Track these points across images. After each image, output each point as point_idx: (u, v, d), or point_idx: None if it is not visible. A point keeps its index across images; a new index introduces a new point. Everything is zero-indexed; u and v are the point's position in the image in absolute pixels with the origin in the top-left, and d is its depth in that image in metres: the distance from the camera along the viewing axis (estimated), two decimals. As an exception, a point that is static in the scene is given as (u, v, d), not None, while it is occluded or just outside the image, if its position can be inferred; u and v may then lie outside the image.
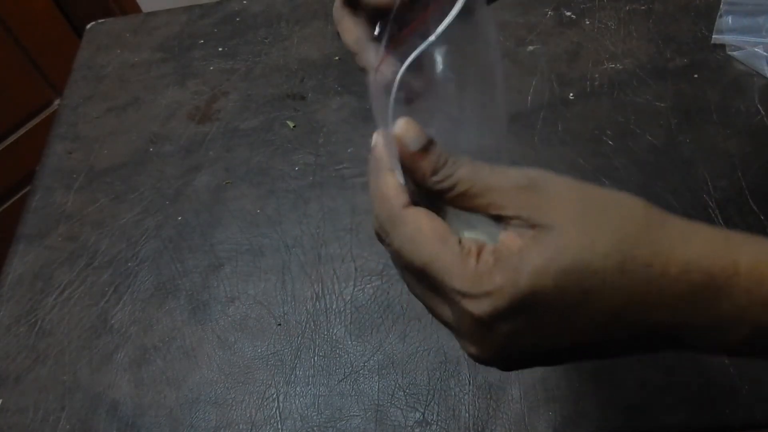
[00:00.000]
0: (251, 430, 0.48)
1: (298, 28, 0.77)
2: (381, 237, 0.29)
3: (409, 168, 0.28)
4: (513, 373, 0.47)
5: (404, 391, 0.48)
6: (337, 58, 0.73)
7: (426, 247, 0.27)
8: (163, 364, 0.52)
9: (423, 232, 0.27)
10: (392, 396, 0.48)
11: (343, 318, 0.52)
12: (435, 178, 0.28)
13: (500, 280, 0.26)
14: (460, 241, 0.27)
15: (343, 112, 0.67)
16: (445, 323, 0.30)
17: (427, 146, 0.27)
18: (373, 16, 0.33)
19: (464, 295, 0.26)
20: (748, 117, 0.59)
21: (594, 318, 0.25)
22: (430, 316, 0.52)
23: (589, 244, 0.25)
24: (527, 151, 0.60)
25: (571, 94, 0.64)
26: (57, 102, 1.37)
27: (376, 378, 0.49)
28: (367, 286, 0.54)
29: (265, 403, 0.49)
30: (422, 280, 0.28)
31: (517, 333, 0.27)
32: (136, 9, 1.47)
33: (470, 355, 0.30)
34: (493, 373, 0.48)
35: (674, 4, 0.69)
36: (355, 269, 0.55)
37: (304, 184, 0.62)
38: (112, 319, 0.56)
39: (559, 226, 0.25)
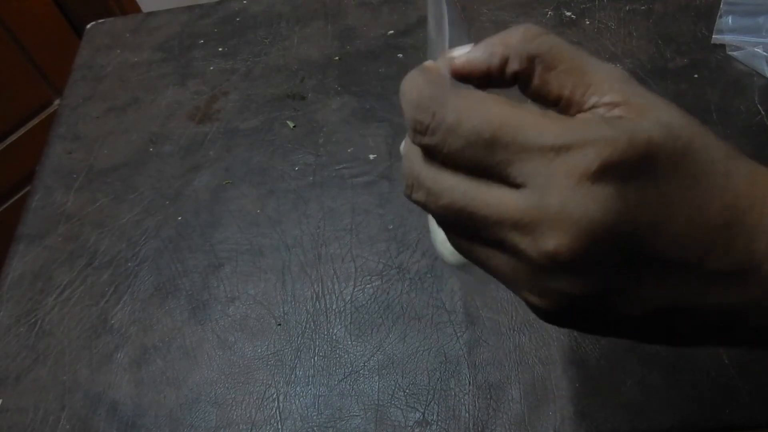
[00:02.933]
0: (251, 430, 0.48)
1: (298, 28, 0.77)
2: (423, 123, 0.23)
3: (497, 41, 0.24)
4: (513, 374, 0.47)
5: (404, 391, 0.48)
6: (337, 58, 0.73)
7: (496, 107, 0.22)
8: (163, 364, 0.52)
9: (489, 97, 0.22)
10: (392, 396, 0.48)
11: (343, 318, 0.52)
12: (528, 41, 0.24)
13: (609, 129, 0.21)
14: None
15: (343, 112, 0.67)
16: (510, 221, 0.22)
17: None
18: None
19: (559, 148, 0.21)
20: (748, 117, 0.59)
21: (718, 194, 0.22)
22: (431, 315, 0.52)
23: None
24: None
25: (571, 94, 0.64)
26: (57, 102, 1.37)
27: (376, 378, 0.49)
28: (367, 286, 0.54)
29: (265, 403, 0.49)
30: (490, 154, 0.22)
31: (639, 199, 0.21)
32: (136, 9, 1.47)
33: (545, 292, 0.23)
34: (493, 373, 0.48)
35: (674, 4, 0.69)
36: (355, 269, 0.55)
37: (304, 184, 0.62)
38: (112, 319, 0.56)
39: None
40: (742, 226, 0.23)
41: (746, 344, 0.25)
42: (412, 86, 0.23)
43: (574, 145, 0.21)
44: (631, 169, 0.21)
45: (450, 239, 0.26)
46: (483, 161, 0.22)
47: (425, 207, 0.24)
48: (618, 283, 0.22)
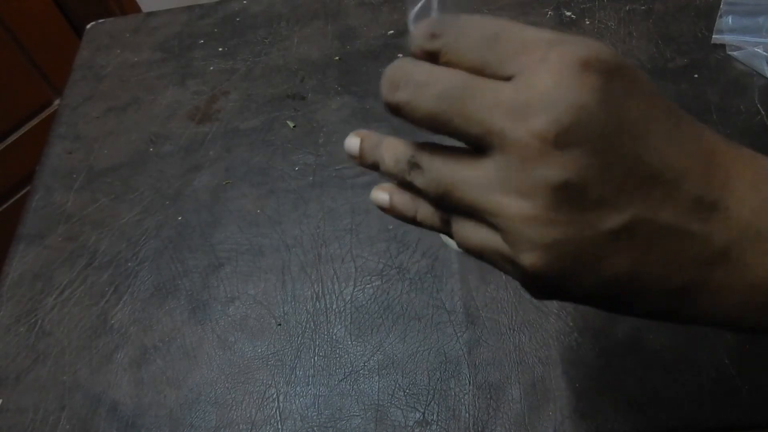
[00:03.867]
0: (251, 430, 0.48)
1: (298, 28, 0.77)
2: (434, 33, 0.25)
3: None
4: (513, 374, 0.47)
5: (404, 391, 0.48)
6: (337, 58, 0.73)
7: (499, 19, 0.24)
8: (163, 364, 0.52)
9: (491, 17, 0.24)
10: (392, 396, 0.48)
11: (343, 318, 0.52)
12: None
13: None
14: None
15: (343, 112, 0.67)
16: (504, 105, 0.23)
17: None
18: None
19: (554, 41, 0.23)
20: (748, 117, 0.59)
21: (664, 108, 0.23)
22: (430, 315, 0.52)
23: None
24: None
25: (571, 94, 0.64)
26: (57, 102, 1.37)
27: (376, 378, 0.49)
28: (367, 286, 0.54)
29: (265, 403, 0.49)
30: (492, 49, 0.24)
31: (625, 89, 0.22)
32: (136, 9, 1.47)
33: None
34: (493, 373, 0.48)
35: (674, 4, 0.69)
36: (355, 269, 0.55)
37: (304, 184, 0.62)
38: (112, 319, 0.56)
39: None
40: (722, 161, 0.24)
41: (712, 312, 0.25)
42: (426, 21, 0.25)
43: (567, 41, 0.23)
44: (620, 70, 0.23)
45: (423, 159, 0.26)
46: (485, 56, 0.24)
47: (408, 104, 0.25)
48: (600, 179, 0.22)
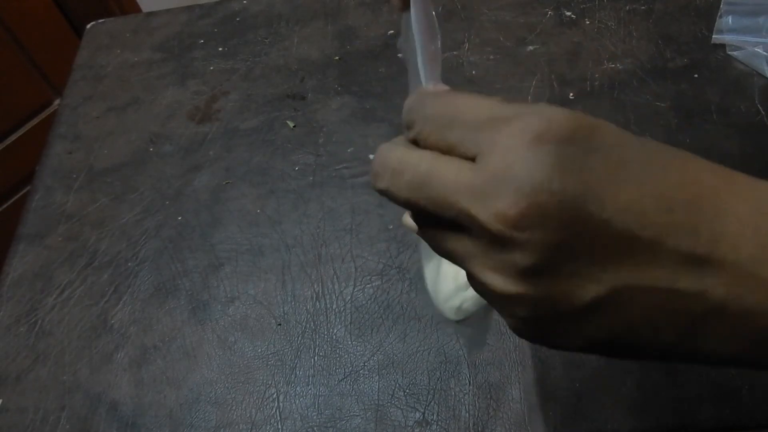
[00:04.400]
0: (251, 430, 0.48)
1: (298, 28, 0.77)
2: (409, 120, 0.26)
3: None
4: (513, 374, 0.47)
5: (404, 391, 0.48)
6: (337, 58, 0.73)
7: (462, 98, 0.25)
8: (163, 364, 0.52)
9: (460, 93, 0.25)
10: (392, 396, 0.48)
11: (343, 318, 0.52)
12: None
13: (552, 107, 0.23)
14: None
15: (343, 112, 0.67)
16: (464, 189, 0.23)
17: None
18: None
19: (506, 118, 0.23)
20: (748, 117, 0.59)
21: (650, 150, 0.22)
22: (431, 315, 0.52)
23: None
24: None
25: (572, 94, 0.64)
26: (57, 102, 1.37)
27: (376, 378, 0.49)
28: (367, 286, 0.54)
29: (265, 403, 0.49)
30: (450, 131, 0.25)
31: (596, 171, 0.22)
32: (136, 9, 1.47)
33: (505, 298, 0.23)
34: (493, 373, 0.48)
35: (674, 4, 0.69)
36: (355, 269, 0.55)
37: (304, 184, 0.62)
38: (112, 319, 0.56)
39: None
40: (711, 202, 0.22)
41: (721, 357, 0.24)
42: (407, 102, 0.27)
43: (519, 115, 0.22)
44: (576, 132, 0.22)
45: (420, 227, 0.27)
46: (445, 138, 0.24)
47: (388, 192, 0.26)
48: (569, 254, 0.22)
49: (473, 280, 0.26)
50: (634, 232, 0.22)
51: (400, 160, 0.25)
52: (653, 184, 0.22)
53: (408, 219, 0.30)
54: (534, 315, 0.23)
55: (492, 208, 0.22)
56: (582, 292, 0.22)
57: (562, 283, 0.22)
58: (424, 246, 0.38)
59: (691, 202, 0.22)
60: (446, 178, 0.23)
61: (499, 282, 0.23)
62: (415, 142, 0.26)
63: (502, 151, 0.22)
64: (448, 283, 0.36)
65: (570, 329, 0.24)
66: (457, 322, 0.37)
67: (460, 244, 0.24)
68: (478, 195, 0.22)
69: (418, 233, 0.28)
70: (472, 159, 0.23)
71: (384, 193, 0.26)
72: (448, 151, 0.24)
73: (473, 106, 0.24)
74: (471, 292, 0.35)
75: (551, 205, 0.21)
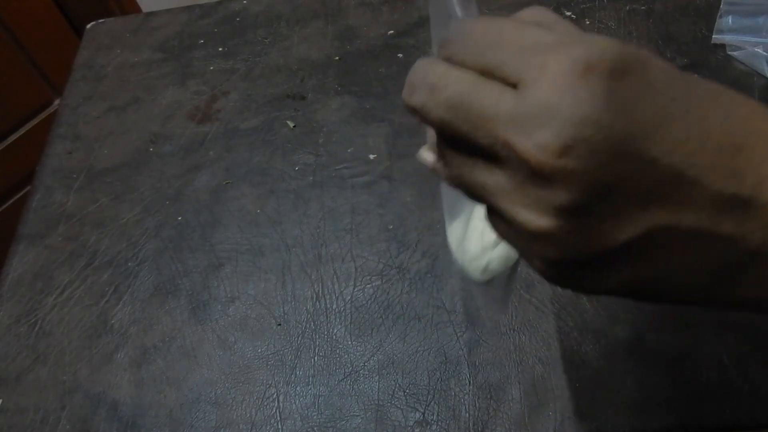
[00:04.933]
0: (251, 430, 0.48)
1: (298, 28, 0.77)
2: (447, 38, 0.25)
3: None
4: (513, 374, 0.47)
5: (404, 391, 0.48)
6: (337, 58, 0.73)
7: (503, 22, 0.24)
8: (163, 364, 0.52)
9: (500, 18, 0.24)
10: (392, 396, 0.48)
11: (343, 318, 0.52)
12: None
13: (600, 37, 0.21)
14: None
15: (343, 112, 0.67)
16: (505, 115, 0.22)
17: None
18: None
19: (551, 45, 0.22)
20: (748, 117, 0.59)
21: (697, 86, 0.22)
22: (431, 315, 0.52)
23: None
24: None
25: (571, 94, 0.64)
26: (57, 102, 1.37)
27: (376, 378, 0.49)
28: (367, 286, 0.54)
29: (265, 403, 0.49)
30: (493, 53, 0.23)
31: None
32: (136, 9, 1.47)
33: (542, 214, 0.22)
34: (493, 373, 0.48)
35: (674, 4, 0.69)
36: (355, 269, 0.55)
37: (304, 184, 0.62)
38: (112, 319, 0.56)
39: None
40: (758, 148, 0.22)
41: (747, 302, 0.23)
42: (443, 32, 0.26)
43: (568, 43, 0.21)
44: (627, 66, 0.21)
45: (444, 156, 0.25)
46: (489, 62, 0.23)
47: (423, 108, 0.24)
48: (611, 192, 0.21)
49: (499, 218, 0.24)
50: (680, 171, 0.21)
51: (442, 76, 0.24)
52: (701, 124, 0.21)
53: (425, 153, 0.28)
54: (566, 256, 0.23)
55: (534, 139, 0.21)
56: (617, 233, 0.22)
57: (599, 223, 0.21)
58: (448, 206, 0.37)
59: (737, 145, 0.22)
60: (488, 101, 0.22)
61: (531, 219, 0.22)
62: (449, 61, 0.25)
63: (549, 79, 0.21)
64: (475, 242, 0.35)
65: (601, 271, 0.23)
66: (482, 283, 0.36)
67: (491, 176, 0.23)
68: (520, 124, 0.21)
69: (436, 167, 0.26)
70: (513, 86, 0.22)
71: (417, 110, 0.24)
72: (486, 74, 0.23)
73: (517, 29, 0.23)
74: (497, 252, 0.34)
75: (597, 139, 0.20)
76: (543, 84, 0.21)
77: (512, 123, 0.21)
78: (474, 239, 0.35)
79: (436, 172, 0.27)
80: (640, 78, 0.21)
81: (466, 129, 0.23)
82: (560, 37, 0.22)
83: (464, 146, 0.24)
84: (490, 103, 0.22)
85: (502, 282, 0.36)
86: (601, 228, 0.22)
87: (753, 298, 0.23)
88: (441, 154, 0.26)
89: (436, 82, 0.24)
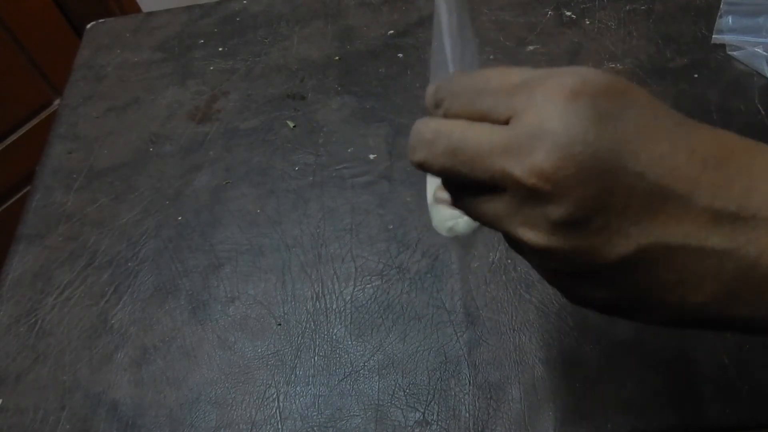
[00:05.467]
0: (251, 430, 0.48)
1: (298, 28, 0.77)
2: (438, 99, 0.27)
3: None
4: (513, 374, 0.47)
5: (404, 391, 0.48)
6: (337, 58, 0.73)
7: (488, 71, 0.25)
8: (163, 364, 0.52)
9: (484, 69, 0.26)
10: (392, 396, 0.48)
11: (343, 318, 0.52)
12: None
13: (585, 68, 0.23)
14: None
15: (343, 112, 0.67)
16: (499, 148, 0.23)
17: None
18: None
19: (538, 78, 0.23)
20: (748, 117, 0.59)
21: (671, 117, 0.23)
22: (431, 315, 0.52)
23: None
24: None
25: (571, 94, 0.64)
26: (57, 102, 1.37)
27: (376, 378, 0.49)
28: (367, 286, 0.54)
29: (265, 403, 0.49)
30: (481, 99, 0.25)
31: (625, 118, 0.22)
32: (136, 9, 1.47)
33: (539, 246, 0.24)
34: (493, 373, 0.48)
35: (674, 4, 0.69)
36: (355, 269, 0.55)
37: (304, 184, 0.62)
38: (112, 319, 0.56)
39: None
40: (742, 163, 0.22)
41: (737, 321, 0.23)
42: (429, 89, 0.28)
43: (552, 75, 0.23)
44: (610, 89, 0.22)
45: (453, 198, 0.27)
46: (476, 108, 0.25)
47: (425, 163, 0.26)
48: (602, 207, 0.22)
49: (510, 240, 0.26)
50: (666, 185, 0.22)
51: (434, 131, 0.26)
52: (686, 140, 0.22)
53: (439, 193, 0.30)
54: (565, 268, 0.24)
55: (527, 163, 0.22)
56: (611, 248, 0.22)
57: (592, 238, 0.22)
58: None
59: (723, 159, 0.22)
60: (480, 140, 0.24)
61: (531, 236, 0.23)
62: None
63: (537, 108, 0.22)
64: (444, 208, 0.38)
65: (598, 284, 0.24)
66: (450, 239, 0.40)
67: (494, 205, 0.25)
68: (513, 152, 0.23)
69: (451, 206, 0.29)
70: (505, 123, 0.24)
71: (421, 165, 0.26)
72: (480, 119, 0.25)
73: (503, 75, 0.24)
74: (465, 218, 0.37)
75: (586, 156, 0.21)
76: (531, 113, 0.22)
77: (505, 153, 0.23)
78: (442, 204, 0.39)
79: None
80: (623, 100, 0.22)
81: (465, 171, 0.25)
82: (544, 72, 0.24)
83: (467, 187, 0.26)
84: (484, 140, 0.24)
85: (467, 237, 0.39)
86: (595, 243, 0.22)
87: (746, 316, 0.23)
88: (450, 194, 0.28)
89: (429, 137, 0.26)
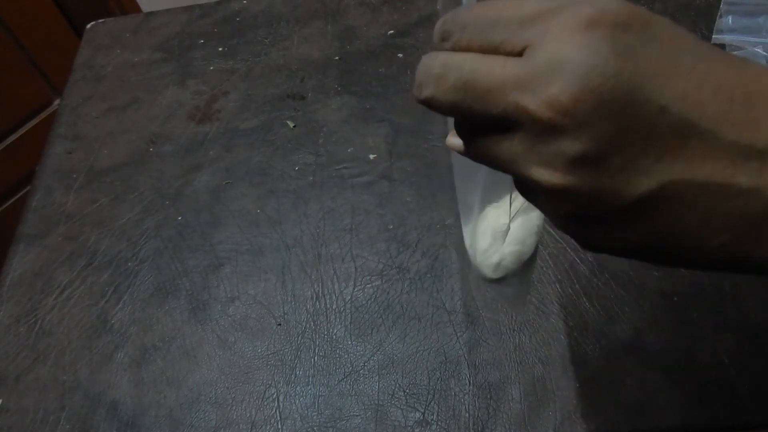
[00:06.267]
0: (251, 430, 0.48)
1: (298, 28, 0.77)
2: (446, 30, 0.25)
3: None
4: (513, 374, 0.47)
5: (404, 391, 0.48)
6: (337, 58, 0.73)
7: (500, 2, 0.24)
8: (163, 364, 0.52)
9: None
10: (392, 396, 0.48)
11: (343, 318, 0.52)
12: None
13: None
14: None
15: (343, 112, 0.67)
16: (512, 81, 0.22)
17: None
18: None
19: (554, 9, 0.22)
20: (748, 117, 0.59)
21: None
22: (431, 315, 0.52)
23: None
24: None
25: (571, 94, 0.64)
26: (57, 102, 1.37)
27: (376, 378, 0.49)
28: (367, 286, 0.54)
29: (265, 403, 0.49)
30: (494, 31, 0.23)
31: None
32: (136, 9, 1.47)
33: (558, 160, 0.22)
34: (493, 373, 0.48)
35: (674, 4, 0.69)
36: (355, 269, 0.55)
37: (304, 184, 0.62)
38: (112, 319, 0.56)
39: None
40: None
41: (758, 263, 0.22)
42: (440, 20, 0.26)
43: (569, 5, 0.21)
44: (631, 19, 0.21)
45: (464, 141, 0.26)
46: (488, 40, 0.23)
47: (433, 100, 0.25)
48: (621, 143, 0.21)
49: (520, 184, 0.24)
50: (691, 120, 0.20)
51: (443, 64, 0.24)
52: (712, 75, 0.21)
53: (451, 138, 0.28)
54: (579, 210, 0.22)
55: (542, 96, 0.21)
56: (631, 187, 0.21)
57: (611, 176, 0.21)
58: (463, 209, 0.37)
59: (751, 95, 0.21)
60: (492, 72, 0.22)
61: (546, 176, 0.22)
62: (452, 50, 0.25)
63: (553, 39, 0.21)
64: (485, 239, 0.35)
65: (615, 228, 0.23)
66: (496, 280, 0.36)
67: (506, 144, 0.23)
68: (528, 84, 0.21)
69: (463, 152, 0.27)
70: (519, 55, 0.22)
71: (429, 102, 0.25)
72: (492, 52, 0.23)
73: (516, 5, 0.23)
74: (509, 248, 0.34)
75: (606, 89, 0.20)
76: (547, 43, 0.21)
77: (520, 86, 0.21)
78: (485, 236, 0.35)
79: (464, 155, 0.27)
80: (645, 31, 0.21)
81: (477, 106, 0.23)
82: (559, 1, 0.22)
83: (480, 124, 0.24)
84: (496, 73, 0.22)
85: (516, 279, 0.36)
86: (615, 182, 0.21)
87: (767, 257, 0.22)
88: (461, 137, 0.26)
89: (439, 71, 0.24)
